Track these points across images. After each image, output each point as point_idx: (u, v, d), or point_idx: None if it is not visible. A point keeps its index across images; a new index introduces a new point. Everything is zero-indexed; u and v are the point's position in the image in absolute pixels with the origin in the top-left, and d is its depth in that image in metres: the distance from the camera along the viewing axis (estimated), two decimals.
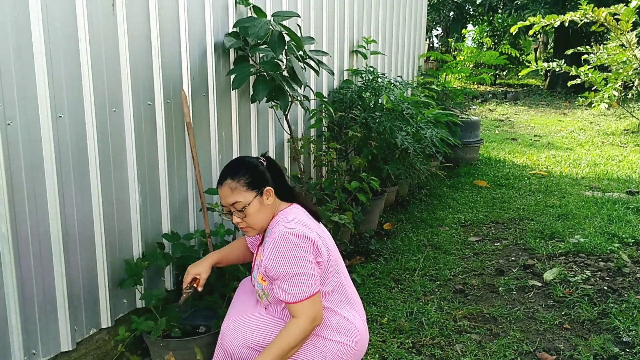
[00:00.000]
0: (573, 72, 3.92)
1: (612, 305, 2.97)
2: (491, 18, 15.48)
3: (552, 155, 7.14)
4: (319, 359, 1.86)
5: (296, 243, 1.79)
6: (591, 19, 3.47)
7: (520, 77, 16.74)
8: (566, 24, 3.70)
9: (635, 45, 3.64)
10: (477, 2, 15.21)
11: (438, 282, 3.33)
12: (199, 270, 2.09)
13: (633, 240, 3.89)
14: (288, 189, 2.02)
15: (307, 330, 1.78)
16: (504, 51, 7.93)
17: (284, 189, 2.00)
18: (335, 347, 1.87)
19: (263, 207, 1.90)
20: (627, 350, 2.56)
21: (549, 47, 17.99)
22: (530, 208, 4.78)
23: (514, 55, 8.31)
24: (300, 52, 2.92)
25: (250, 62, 2.93)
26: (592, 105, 3.99)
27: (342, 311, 1.91)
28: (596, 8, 3.44)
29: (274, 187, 1.94)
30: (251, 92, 2.95)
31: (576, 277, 3.30)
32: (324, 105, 3.68)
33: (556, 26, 3.67)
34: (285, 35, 2.61)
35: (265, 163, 1.97)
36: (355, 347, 1.90)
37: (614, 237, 3.96)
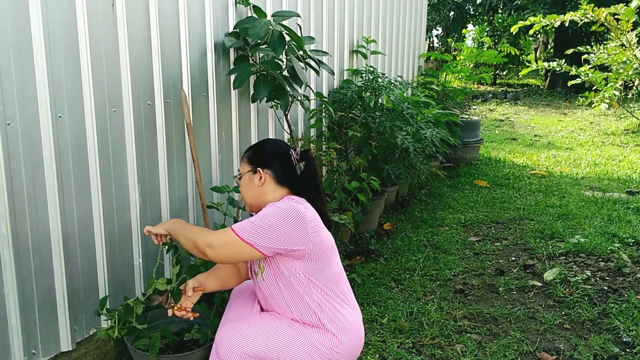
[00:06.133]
0: (573, 72, 3.92)
1: (612, 305, 2.97)
2: (491, 18, 15.49)
3: (552, 155, 7.14)
4: (315, 354, 1.85)
5: (287, 212, 1.81)
6: (591, 19, 3.47)
7: (520, 77, 16.74)
8: (566, 24, 3.70)
9: (635, 45, 3.64)
10: (477, 2, 15.22)
11: (438, 282, 3.33)
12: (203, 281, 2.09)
13: (633, 240, 3.89)
14: (311, 189, 1.97)
15: (208, 241, 1.81)
16: (502, 50, 7.92)
17: (308, 189, 1.97)
18: (330, 341, 1.86)
19: (251, 184, 1.97)
20: (627, 350, 2.56)
21: (549, 47, 17.99)
22: (530, 208, 4.78)
23: (512, 53, 8.31)
24: (301, 52, 2.92)
25: (251, 61, 2.93)
26: (592, 105, 3.99)
27: (337, 305, 1.91)
28: (596, 8, 3.44)
29: (279, 178, 1.95)
30: (251, 92, 2.95)
31: (576, 277, 3.30)
32: (324, 105, 3.68)
33: (556, 26, 3.67)
34: (285, 35, 2.61)
35: (296, 157, 1.98)
36: (349, 343, 1.89)
37: (614, 237, 3.96)
